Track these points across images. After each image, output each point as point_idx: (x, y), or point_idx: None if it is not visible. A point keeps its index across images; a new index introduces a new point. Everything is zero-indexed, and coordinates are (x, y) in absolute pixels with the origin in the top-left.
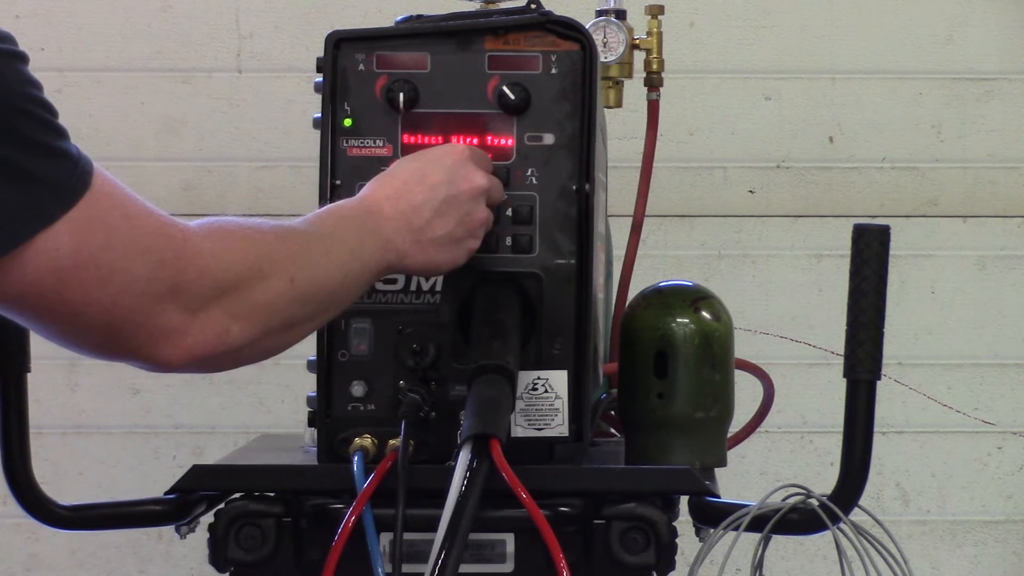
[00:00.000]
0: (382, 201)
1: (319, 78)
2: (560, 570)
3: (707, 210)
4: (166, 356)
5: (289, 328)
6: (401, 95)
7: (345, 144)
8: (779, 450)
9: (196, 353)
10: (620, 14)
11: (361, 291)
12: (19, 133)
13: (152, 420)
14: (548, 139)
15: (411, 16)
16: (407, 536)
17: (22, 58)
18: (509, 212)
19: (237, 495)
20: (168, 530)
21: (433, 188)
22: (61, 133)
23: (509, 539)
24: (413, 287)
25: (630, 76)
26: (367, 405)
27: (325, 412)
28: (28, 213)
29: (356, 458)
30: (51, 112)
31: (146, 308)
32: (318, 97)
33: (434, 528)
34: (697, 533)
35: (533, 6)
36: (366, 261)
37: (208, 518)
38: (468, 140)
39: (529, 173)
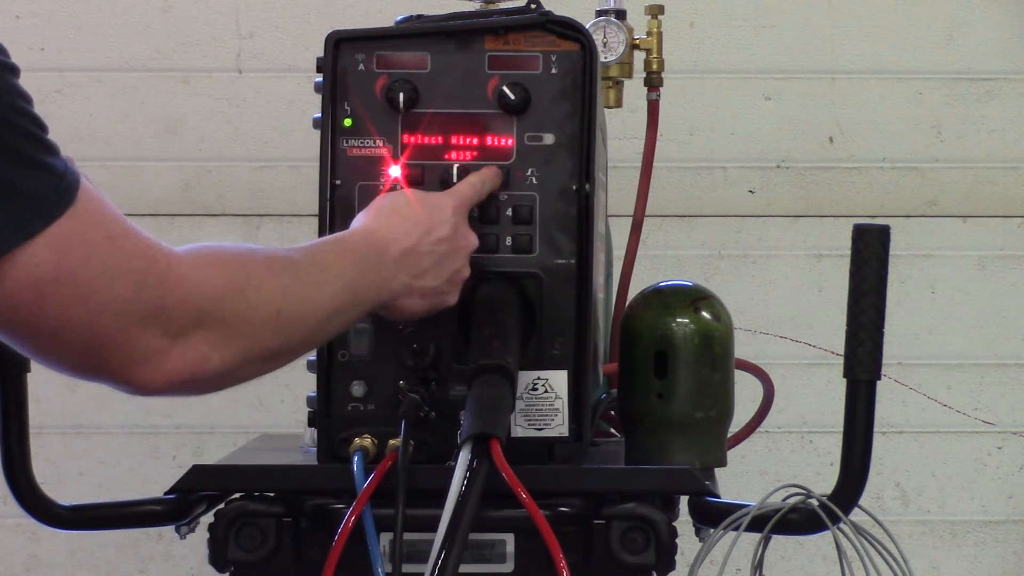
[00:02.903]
0: (390, 241)
1: (319, 78)
2: (560, 570)
3: (707, 210)
4: (144, 379)
5: (270, 358)
6: (401, 95)
7: (345, 144)
8: (779, 450)
9: (174, 379)
10: (620, 14)
11: (349, 325)
12: (4, 144)
13: (152, 420)
14: (548, 139)
15: (411, 16)
16: (407, 536)
17: (12, 70)
18: (509, 212)
19: (237, 495)
20: (168, 530)
21: (438, 242)
22: (48, 147)
23: (509, 539)
24: None
25: (630, 76)
26: (367, 405)
27: (325, 412)
28: (9, 226)
29: (356, 458)
30: (39, 126)
31: (125, 330)
32: (318, 97)
33: (434, 528)
34: (697, 533)
35: (533, 6)
36: (360, 296)
37: (208, 518)
38: (468, 140)
39: (529, 173)
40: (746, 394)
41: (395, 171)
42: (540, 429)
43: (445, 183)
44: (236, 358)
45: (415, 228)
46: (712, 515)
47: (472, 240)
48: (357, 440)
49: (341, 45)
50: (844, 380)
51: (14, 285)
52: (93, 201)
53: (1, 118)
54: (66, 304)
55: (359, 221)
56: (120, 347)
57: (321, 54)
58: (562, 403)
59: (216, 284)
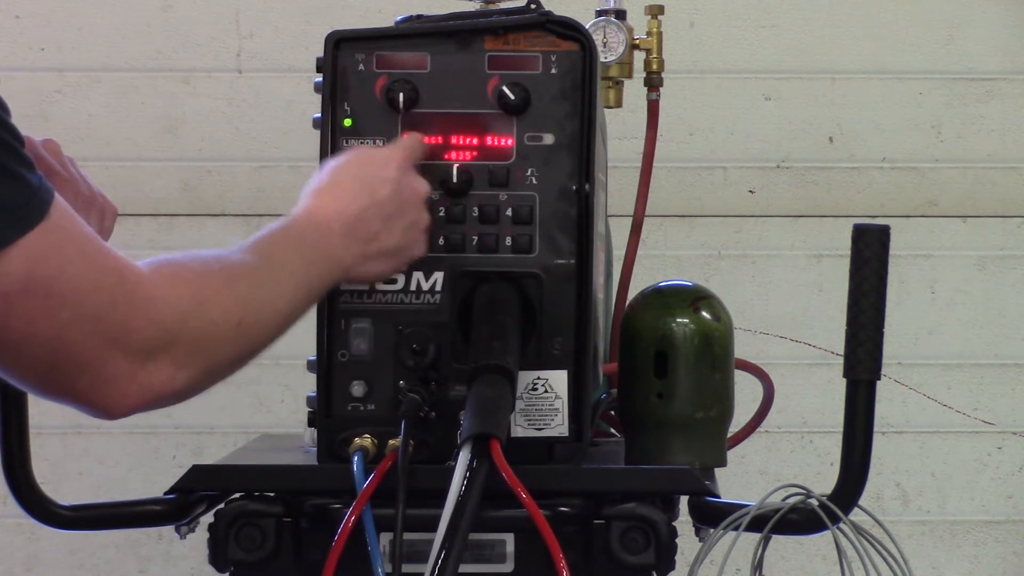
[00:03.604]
0: (331, 218)
1: (319, 78)
2: (560, 570)
3: (707, 210)
4: (109, 403)
5: (233, 365)
6: (401, 95)
7: (345, 144)
8: (779, 450)
9: (140, 401)
10: (620, 14)
11: (303, 316)
12: None
13: (152, 420)
14: (548, 139)
15: (411, 16)
16: (407, 536)
17: None
18: (509, 212)
19: (237, 495)
20: (168, 530)
21: (381, 203)
22: (22, 159)
23: (509, 539)
24: (413, 287)
25: (630, 76)
26: (367, 405)
27: (325, 412)
28: None
29: (356, 458)
30: (15, 137)
31: (92, 349)
32: (318, 97)
33: (434, 528)
34: (697, 533)
35: (533, 6)
36: (313, 286)
37: (208, 518)
38: (468, 140)
39: (529, 173)
40: (746, 394)
41: None
42: (540, 429)
43: (445, 183)
44: (200, 374)
45: (356, 196)
46: (712, 515)
47: (420, 188)
48: (357, 440)
49: (341, 45)
50: (844, 380)
51: None
52: (66, 217)
53: None
54: (34, 316)
55: (304, 199)
56: (85, 367)
57: (321, 54)
58: (562, 403)
59: (181, 304)
